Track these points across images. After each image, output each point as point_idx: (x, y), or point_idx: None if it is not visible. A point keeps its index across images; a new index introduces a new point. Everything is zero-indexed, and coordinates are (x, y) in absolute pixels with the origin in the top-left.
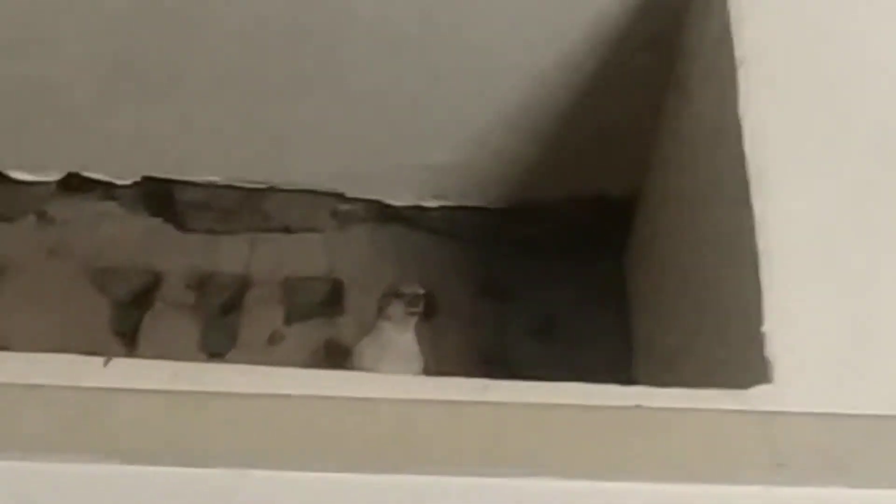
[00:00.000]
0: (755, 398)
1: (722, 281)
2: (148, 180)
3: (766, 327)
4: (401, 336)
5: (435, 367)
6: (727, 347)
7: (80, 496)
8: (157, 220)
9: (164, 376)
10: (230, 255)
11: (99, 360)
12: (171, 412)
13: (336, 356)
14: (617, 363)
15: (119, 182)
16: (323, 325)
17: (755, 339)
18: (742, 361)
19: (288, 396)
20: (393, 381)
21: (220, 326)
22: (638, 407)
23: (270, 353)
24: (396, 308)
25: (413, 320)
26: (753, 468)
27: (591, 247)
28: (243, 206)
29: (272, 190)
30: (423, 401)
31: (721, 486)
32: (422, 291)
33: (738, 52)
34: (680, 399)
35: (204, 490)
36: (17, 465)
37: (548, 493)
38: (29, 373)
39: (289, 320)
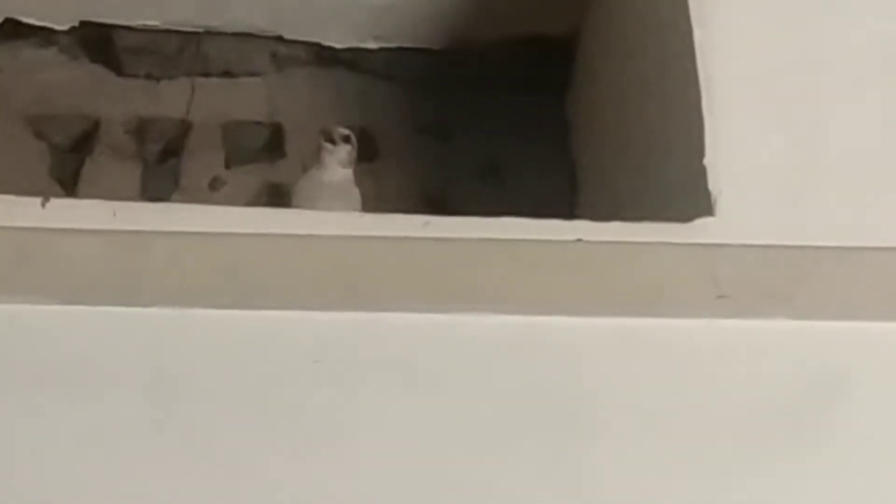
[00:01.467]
0: (697, 231)
1: (664, 114)
2: (86, 25)
3: (708, 160)
4: (334, 177)
5: (377, 208)
6: (670, 181)
7: (21, 336)
8: (97, 66)
9: (103, 215)
10: (170, 100)
11: (37, 200)
12: (112, 251)
13: (277, 200)
14: (561, 203)
15: (57, 27)
16: (264, 170)
17: (697, 172)
18: (684, 195)
19: (228, 234)
20: (334, 218)
21: (160, 172)
22: (580, 241)
23: (211, 197)
24: (329, 149)
25: (343, 162)
26: (696, 301)
27: (533, 86)
28: (183, 51)
29: (211, 34)
30: (364, 237)
31: (664, 319)
32: (346, 132)
33: None
34: (622, 233)
35: (145, 329)
36: None
37: (488, 328)
38: None
39: (229, 165)
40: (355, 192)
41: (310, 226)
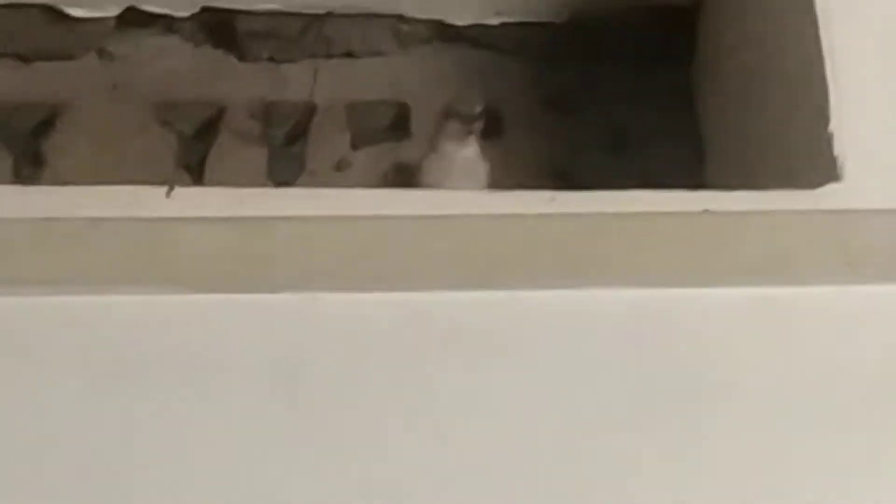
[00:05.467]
0: (825, 197)
1: (788, 81)
2: (207, 11)
3: (834, 125)
4: (462, 153)
5: (504, 184)
6: (795, 149)
7: (147, 327)
8: (219, 52)
9: (229, 203)
10: (293, 83)
11: (162, 189)
12: (239, 238)
13: (404, 179)
14: (689, 173)
15: (178, 14)
16: (390, 149)
17: (823, 138)
18: (811, 161)
19: (354, 217)
20: (460, 197)
21: (286, 155)
22: (706, 211)
23: (338, 179)
24: (454, 127)
25: (472, 138)
26: (825, 268)
27: (657, 57)
28: (305, 33)
29: (332, 15)
30: (491, 215)
31: (793, 287)
32: (479, 109)
33: None
34: (748, 201)
35: (273, 316)
36: (84, 298)
37: (617, 302)
38: (91, 205)
39: (355, 146)
40: (483, 168)
41: (436, 206)
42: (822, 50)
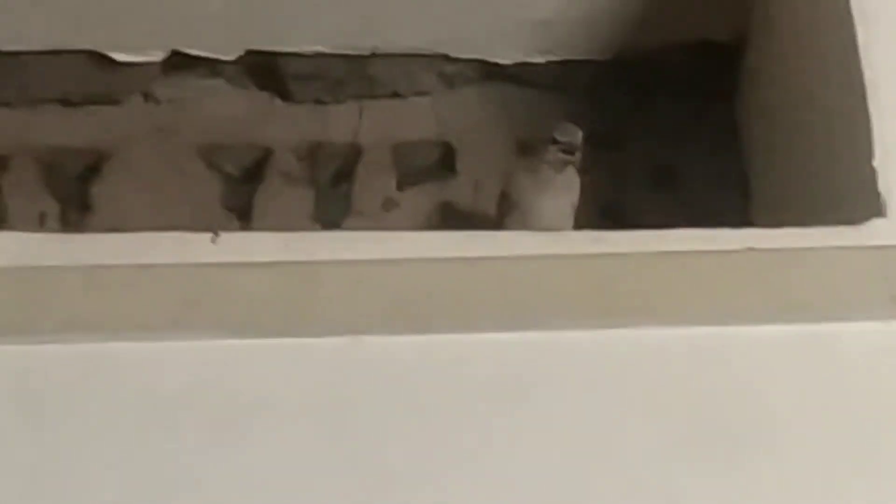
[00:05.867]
0: (869, 233)
1: (831, 116)
2: (252, 54)
3: (878, 161)
4: (559, 175)
5: None
6: (839, 184)
7: (194, 371)
8: (264, 94)
9: (274, 247)
10: (339, 123)
11: (207, 235)
12: (284, 283)
13: (451, 218)
14: (733, 208)
15: (223, 57)
16: (436, 189)
17: (866, 174)
18: (854, 197)
19: (399, 260)
20: (504, 238)
21: (333, 196)
22: (750, 249)
23: (385, 219)
24: (553, 154)
25: (577, 162)
26: (870, 304)
27: (701, 92)
28: (349, 74)
29: (377, 56)
30: (537, 256)
31: (838, 323)
32: (580, 138)
33: None
34: (792, 238)
35: (318, 360)
36: (131, 345)
37: (661, 341)
38: (138, 252)
39: (401, 186)
40: (576, 182)
41: (481, 248)
42: (866, 86)
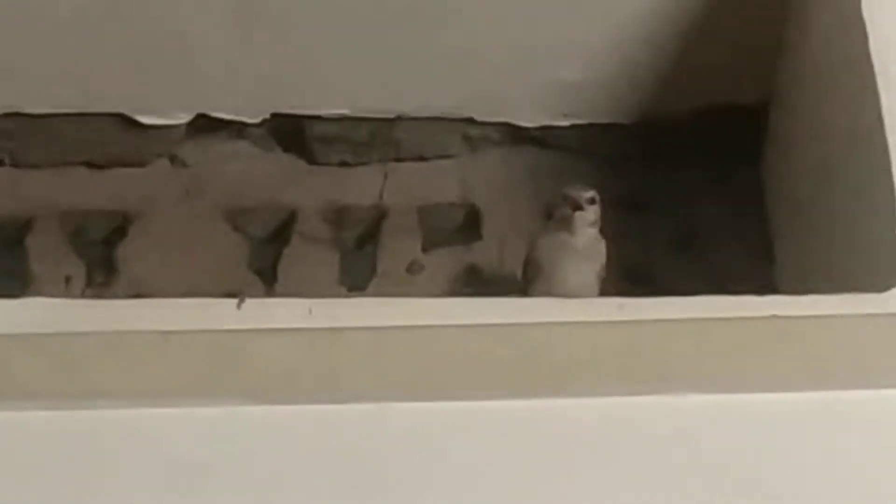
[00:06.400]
0: (893, 301)
1: (854, 182)
2: (277, 117)
3: None
4: (583, 239)
5: None
6: (863, 250)
7: (218, 438)
8: (289, 156)
9: (299, 313)
10: (364, 186)
11: (232, 301)
12: (308, 349)
13: (476, 281)
14: (757, 271)
15: (248, 120)
16: (461, 252)
17: (890, 241)
18: (878, 264)
19: (424, 327)
20: (528, 304)
21: (358, 258)
22: (774, 316)
23: (410, 282)
24: (561, 211)
25: (592, 223)
26: (894, 372)
27: (727, 156)
28: (374, 137)
29: (402, 119)
30: (560, 323)
31: (863, 391)
32: (591, 194)
33: None
34: (816, 306)
35: (344, 426)
36: (158, 412)
37: (687, 408)
38: (163, 318)
39: (426, 248)
40: (602, 248)
41: (504, 314)
42: (889, 152)
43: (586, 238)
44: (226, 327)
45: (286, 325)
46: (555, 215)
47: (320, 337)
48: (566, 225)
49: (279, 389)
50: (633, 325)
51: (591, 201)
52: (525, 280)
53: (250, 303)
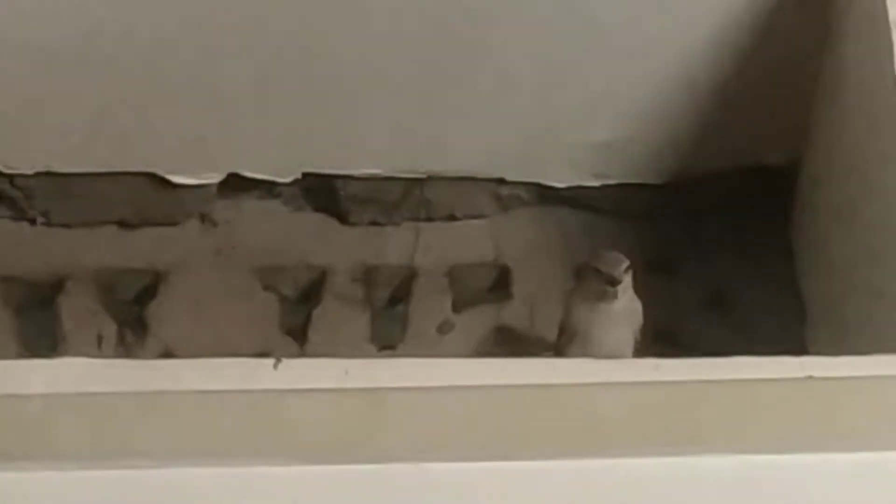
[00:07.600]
0: None
1: (886, 243)
2: (309, 176)
3: None
4: (621, 304)
5: None
6: None
7: (259, 499)
8: (321, 216)
9: (335, 374)
10: (395, 245)
11: (269, 362)
12: (344, 410)
13: (506, 341)
14: (789, 329)
15: (279, 180)
16: (492, 311)
17: None
18: None
19: (459, 388)
20: (563, 365)
21: (389, 318)
22: (810, 378)
23: (441, 342)
24: (596, 284)
25: (628, 289)
26: None
27: (757, 216)
28: (406, 197)
29: (433, 179)
30: (596, 384)
31: None
32: (624, 264)
33: (892, 13)
34: (852, 367)
35: (382, 486)
36: (194, 471)
37: (722, 469)
38: (199, 379)
39: (457, 308)
40: (638, 308)
41: (540, 376)
42: None
43: (623, 302)
44: (262, 387)
45: (322, 386)
46: (590, 287)
47: (356, 397)
48: (603, 296)
49: (316, 450)
50: (668, 385)
51: (626, 270)
52: (560, 344)
53: (286, 363)
